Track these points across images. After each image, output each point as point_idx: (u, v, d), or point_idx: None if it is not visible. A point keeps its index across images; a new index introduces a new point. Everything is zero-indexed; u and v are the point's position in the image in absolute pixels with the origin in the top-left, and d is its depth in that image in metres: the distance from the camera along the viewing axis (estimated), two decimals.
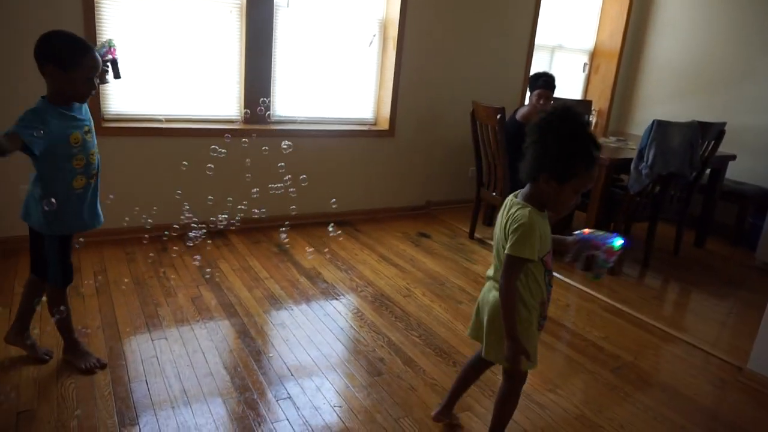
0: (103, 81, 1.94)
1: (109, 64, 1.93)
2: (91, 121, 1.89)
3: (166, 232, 2.47)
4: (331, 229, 2.77)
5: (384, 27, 3.98)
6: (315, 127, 3.81)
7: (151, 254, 3.06)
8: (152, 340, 2.22)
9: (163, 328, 2.32)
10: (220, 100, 3.49)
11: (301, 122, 3.82)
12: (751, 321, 2.36)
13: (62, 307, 1.89)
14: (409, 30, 3.92)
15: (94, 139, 1.88)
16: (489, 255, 3.57)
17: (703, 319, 2.96)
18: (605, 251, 1.51)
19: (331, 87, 3.88)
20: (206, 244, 3.25)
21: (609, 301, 3.03)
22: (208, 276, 2.85)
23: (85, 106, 1.87)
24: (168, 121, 3.31)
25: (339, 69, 3.88)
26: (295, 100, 3.77)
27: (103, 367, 2.01)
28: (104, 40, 2.01)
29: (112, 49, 1.94)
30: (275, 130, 3.61)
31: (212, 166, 2.44)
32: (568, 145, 1.42)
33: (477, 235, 3.89)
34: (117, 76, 1.98)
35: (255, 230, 3.58)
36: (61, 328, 2.00)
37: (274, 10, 3.46)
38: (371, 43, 3.96)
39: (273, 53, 3.54)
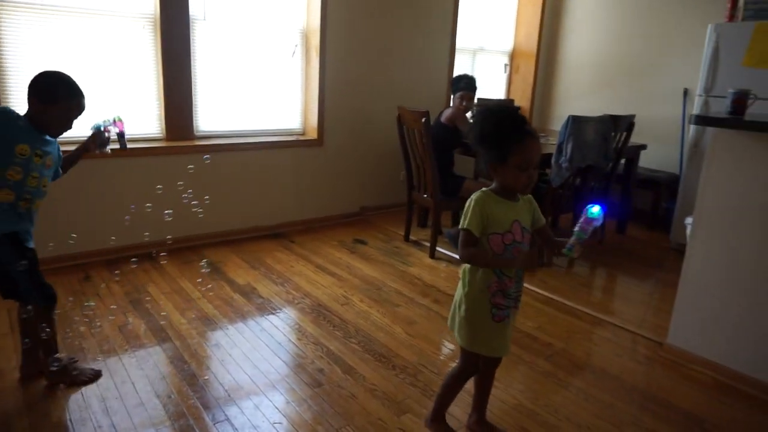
0: (104, 149, 2.10)
1: (116, 135, 2.12)
2: (57, 156, 1.99)
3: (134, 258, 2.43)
4: (203, 265, 2.84)
5: (306, 37, 3.97)
6: (242, 140, 3.75)
7: (74, 283, 2.89)
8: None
9: (88, 361, 2.19)
10: (138, 118, 3.36)
11: (227, 136, 3.74)
12: (670, 299, 2.51)
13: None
14: (330, 39, 3.93)
15: (46, 170, 1.90)
16: (424, 256, 3.62)
17: (627, 302, 3.13)
18: (583, 222, 1.50)
19: (256, 99, 3.83)
20: (133, 270, 3.11)
21: (541, 291, 3.14)
22: (135, 302, 2.72)
23: (57, 143, 1.99)
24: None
25: (263, 80, 3.83)
26: (219, 114, 3.69)
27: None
28: (113, 115, 2.15)
29: (118, 123, 2.11)
30: (200, 145, 3.52)
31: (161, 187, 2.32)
32: (491, 127, 1.54)
33: (412, 237, 3.94)
34: (123, 147, 2.17)
35: (186, 249, 3.47)
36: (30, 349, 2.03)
37: (191, 24, 3.37)
38: (294, 53, 3.94)
39: (193, 67, 3.45)
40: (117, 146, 2.17)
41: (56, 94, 1.84)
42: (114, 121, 2.13)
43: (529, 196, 1.66)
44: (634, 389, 2.22)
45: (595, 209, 1.49)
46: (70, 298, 2.71)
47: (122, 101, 3.27)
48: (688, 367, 2.39)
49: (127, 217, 2.57)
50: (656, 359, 2.47)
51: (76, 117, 1.92)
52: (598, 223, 1.50)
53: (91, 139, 2.10)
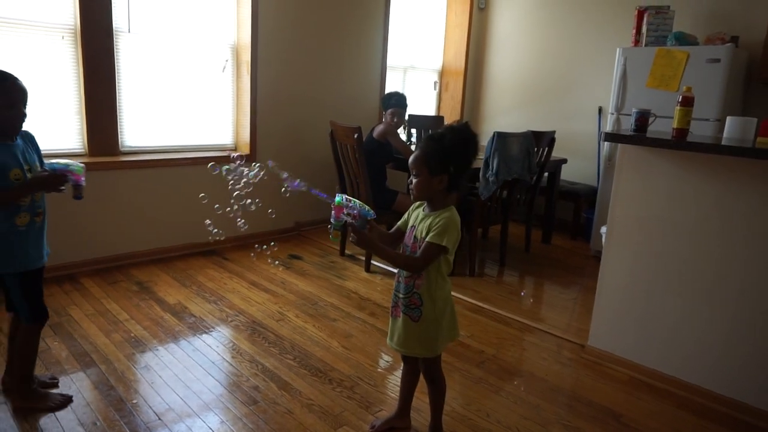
0: (57, 190, 1.89)
1: (73, 184, 1.92)
2: (39, 156, 1.94)
3: None
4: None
5: (236, 52, 3.94)
6: (172, 155, 3.65)
7: None
8: None
9: (4, 390, 2.06)
10: (57, 133, 3.20)
11: (156, 152, 3.64)
12: (591, 304, 2.68)
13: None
14: (262, 54, 3.93)
15: None
16: (360, 270, 3.66)
17: (553, 308, 3.30)
18: (334, 210, 1.71)
19: (186, 114, 3.76)
20: (52, 292, 2.95)
21: (472, 301, 3.25)
22: (56, 326, 2.58)
23: (32, 143, 1.94)
24: None
25: (193, 95, 3.77)
26: (147, 129, 3.58)
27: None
28: (77, 164, 1.95)
29: (78, 175, 1.92)
30: (126, 161, 3.40)
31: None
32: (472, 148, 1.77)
33: (347, 251, 3.97)
34: (77, 197, 1.95)
35: (112, 269, 3.33)
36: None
37: (114, 36, 3.27)
38: (224, 68, 3.90)
39: (117, 80, 3.34)
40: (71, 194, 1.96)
41: None
42: (75, 170, 1.93)
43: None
44: (559, 390, 2.35)
45: (338, 198, 1.71)
46: None
47: (40, 114, 3.11)
48: (607, 366, 2.56)
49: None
50: (579, 361, 2.62)
51: (14, 106, 1.82)
52: (354, 211, 1.68)
53: (51, 180, 1.87)
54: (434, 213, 1.73)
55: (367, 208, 1.72)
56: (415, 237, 1.76)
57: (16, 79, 1.85)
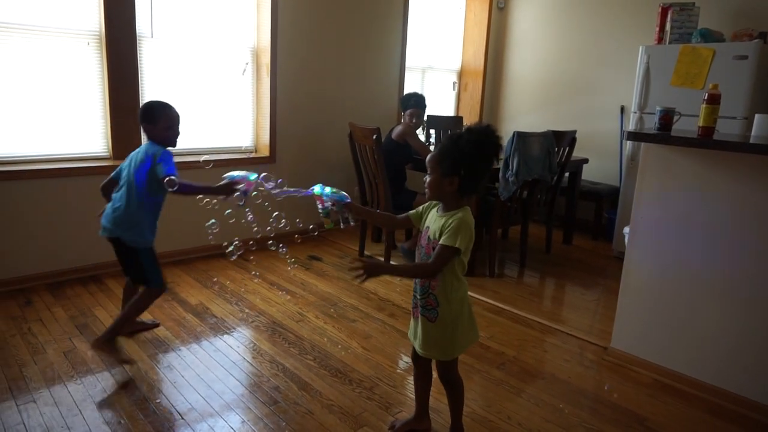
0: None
1: (243, 192, 2.16)
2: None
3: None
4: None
5: (256, 54, 3.98)
6: (192, 158, 3.70)
7: (13, 309, 2.77)
8: (17, 406, 2.00)
9: (31, 390, 2.11)
10: (83, 137, 3.27)
11: (179, 154, 3.68)
12: (614, 305, 2.64)
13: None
14: (281, 57, 3.96)
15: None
16: None
17: (575, 309, 3.26)
18: (319, 203, 1.86)
19: (207, 117, 3.80)
20: (78, 292, 3.01)
21: (492, 302, 3.23)
22: (82, 326, 2.63)
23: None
24: (26, 162, 3.05)
25: (214, 98, 3.81)
26: None
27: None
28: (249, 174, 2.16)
29: (249, 183, 2.14)
30: None
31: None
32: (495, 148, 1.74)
33: (366, 252, 3.98)
34: (240, 204, 2.20)
35: None
36: (125, 318, 2.36)
37: (138, 41, 3.33)
38: (244, 71, 3.94)
39: (141, 85, 3.39)
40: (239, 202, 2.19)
41: (153, 113, 2.33)
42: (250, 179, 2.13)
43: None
44: (581, 392, 2.32)
45: (316, 188, 1.87)
46: (11, 318, 2.59)
47: (67, 118, 3.18)
48: (630, 369, 2.51)
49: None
50: (601, 363, 2.58)
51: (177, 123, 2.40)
52: (327, 200, 1.83)
53: (228, 188, 2.19)
54: (447, 214, 1.70)
55: (341, 193, 1.83)
56: (428, 238, 1.73)
57: (173, 107, 2.37)
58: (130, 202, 2.29)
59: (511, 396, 2.26)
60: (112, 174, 2.42)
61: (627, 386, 2.39)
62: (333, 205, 1.81)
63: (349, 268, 1.68)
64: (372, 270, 1.65)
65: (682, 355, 2.39)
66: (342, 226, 1.85)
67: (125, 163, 2.38)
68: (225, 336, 2.64)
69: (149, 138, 2.35)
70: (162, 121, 2.32)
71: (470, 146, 1.64)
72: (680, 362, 2.39)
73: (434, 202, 1.78)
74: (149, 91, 3.47)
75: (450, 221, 1.66)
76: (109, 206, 2.34)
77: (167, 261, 3.54)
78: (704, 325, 2.31)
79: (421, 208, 1.84)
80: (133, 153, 2.38)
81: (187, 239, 3.70)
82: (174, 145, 2.40)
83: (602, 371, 2.51)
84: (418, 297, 1.77)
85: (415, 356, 1.88)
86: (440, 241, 1.65)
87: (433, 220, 1.74)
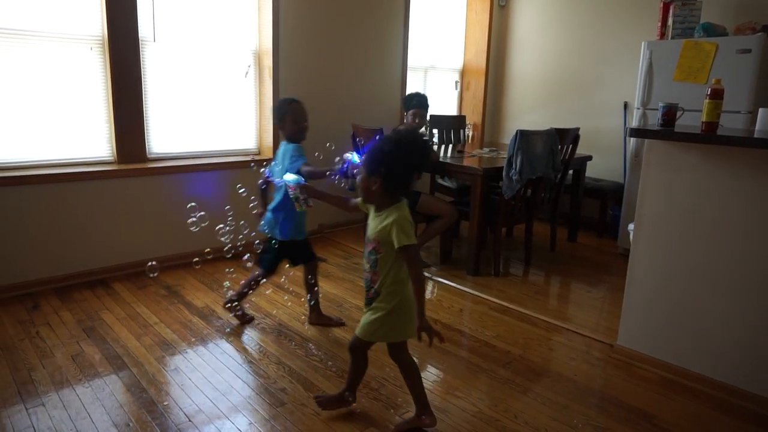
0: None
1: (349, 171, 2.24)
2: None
3: None
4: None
5: (258, 57, 3.99)
6: (197, 161, 3.72)
7: (21, 313, 2.79)
8: (26, 410, 2.02)
9: (39, 393, 2.12)
10: (87, 141, 3.29)
11: (182, 157, 3.70)
12: (619, 302, 2.63)
13: (311, 278, 2.74)
14: (283, 59, 3.97)
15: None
16: None
17: (580, 307, 3.25)
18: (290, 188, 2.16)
19: (210, 120, 3.82)
20: (85, 296, 3.03)
21: (497, 301, 3.23)
22: (89, 329, 2.65)
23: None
24: (30, 168, 3.08)
25: (217, 101, 3.83)
26: (173, 135, 3.65)
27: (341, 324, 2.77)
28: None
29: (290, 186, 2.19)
30: (153, 168, 3.47)
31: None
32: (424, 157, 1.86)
33: None
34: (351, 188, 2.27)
35: (141, 273, 3.40)
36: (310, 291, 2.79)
37: (140, 45, 3.34)
38: (247, 73, 3.96)
39: (144, 89, 3.41)
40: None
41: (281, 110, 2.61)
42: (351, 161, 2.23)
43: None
44: (587, 390, 2.32)
45: (288, 177, 2.15)
46: (19, 322, 2.61)
47: (71, 123, 3.20)
48: (637, 366, 2.51)
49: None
50: (608, 360, 2.57)
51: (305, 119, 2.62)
52: (291, 188, 2.12)
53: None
54: (380, 214, 1.77)
55: (294, 177, 2.11)
56: (368, 237, 1.82)
57: (296, 103, 2.59)
58: (286, 203, 2.48)
59: (518, 395, 2.26)
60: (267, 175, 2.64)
61: (634, 383, 2.38)
62: (293, 190, 2.09)
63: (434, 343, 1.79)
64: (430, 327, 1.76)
65: (689, 352, 2.38)
66: (304, 208, 2.17)
67: (276, 167, 2.60)
68: (231, 338, 2.65)
69: (284, 137, 2.58)
70: (288, 118, 2.54)
71: (391, 147, 1.72)
72: (687, 358, 2.38)
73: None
74: (152, 95, 3.49)
75: (385, 223, 1.76)
76: (270, 215, 2.60)
77: (172, 264, 3.56)
78: (711, 321, 2.30)
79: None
80: (278, 154, 2.62)
81: (192, 242, 3.71)
82: (303, 139, 2.58)
83: (609, 368, 2.50)
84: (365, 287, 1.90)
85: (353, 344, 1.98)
86: (398, 246, 1.73)
87: (371, 218, 1.82)
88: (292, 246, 2.67)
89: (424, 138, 1.76)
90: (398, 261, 1.79)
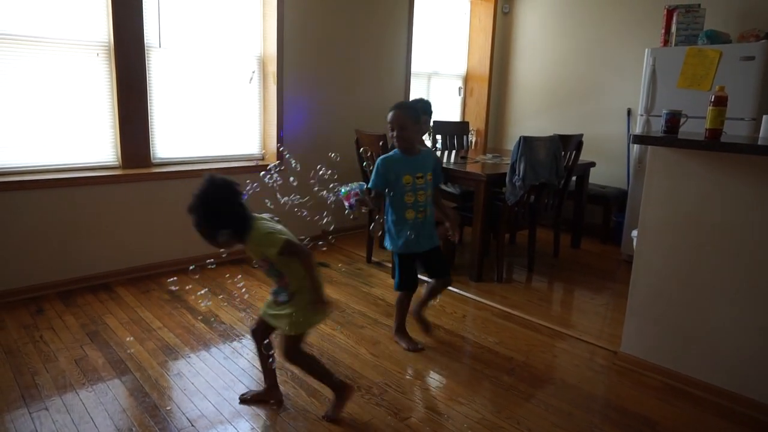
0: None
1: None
2: (429, 169, 2.52)
3: None
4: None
5: (263, 63, 4.01)
6: (201, 166, 3.73)
7: (25, 317, 2.79)
8: (30, 414, 2.02)
9: (43, 398, 2.13)
10: (92, 146, 3.31)
11: (186, 162, 3.72)
12: (623, 309, 2.63)
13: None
14: (288, 64, 3.99)
15: (427, 184, 2.50)
16: (387, 277, 3.67)
17: (584, 314, 3.24)
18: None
19: (215, 125, 3.84)
20: (89, 300, 3.04)
21: (500, 307, 3.22)
22: (93, 334, 2.65)
23: (430, 159, 2.55)
24: (36, 172, 3.09)
25: (221, 107, 3.85)
26: (178, 141, 3.67)
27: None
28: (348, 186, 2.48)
29: (344, 196, 2.42)
30: (158, 173, 3.49)
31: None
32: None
33: (374, 258, 3.98)
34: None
35: (145, 278, 3.41)
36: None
37: (146, 51, 3.37)
38: (251, 79, 3.98)
39: (149, 94, 3.43)
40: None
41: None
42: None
43: None
44: (591, 397, 2.31)
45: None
46: (23, 326, 2.62)
47: (77, 128, 3.22)
48: (641, 373, 2.50)
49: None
50: (611, 367, 2.57)
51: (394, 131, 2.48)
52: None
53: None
54: (248, 246, 1.92)
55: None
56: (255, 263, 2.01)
57: (392, 111, 2.48)
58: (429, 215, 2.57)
59: (521, 401, 2.25)
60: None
61: (637, 390, 2.37)
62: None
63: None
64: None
65: (692, 359, 2.37)
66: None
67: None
68: (234, 343, 2.65)
69: (405, 142, 2.50)
70: (389, 127, 2.48)
71: (204, 211, 1.82)
72: (691, 366, 2.37)
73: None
74: (157, 101, 3.51)
75: (254, 246, 1.90)
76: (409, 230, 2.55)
77: (176, 269, 3.57)
78: (715, 329, 2.30)
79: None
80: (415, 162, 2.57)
81: (195, 247, 3.72)
82: (401, 149, 2.51)
83: (612, 376, 2.50)
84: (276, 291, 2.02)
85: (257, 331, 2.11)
86: (274, 255, 1.86)
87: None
88: (432, 255, 2.63)
89: (214, 180, 1.88)
90: (290, 260, 1.90)
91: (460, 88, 5.80)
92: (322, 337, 2.74)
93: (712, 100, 2.15)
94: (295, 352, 2.00)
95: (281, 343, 2.02)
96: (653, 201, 2.42)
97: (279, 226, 1.98)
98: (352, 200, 2.43)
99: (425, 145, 2.54)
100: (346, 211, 2.44)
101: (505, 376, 2.45)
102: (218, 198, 1.83)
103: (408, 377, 2.43)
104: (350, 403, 2.16)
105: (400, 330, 2.73)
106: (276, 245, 1.84)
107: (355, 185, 2.42)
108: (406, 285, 2.62)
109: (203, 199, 1.81)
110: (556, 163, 3.66)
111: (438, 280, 2.70)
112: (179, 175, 3.56)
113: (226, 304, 3.11)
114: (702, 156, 2.25)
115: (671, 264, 2.39)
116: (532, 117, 5.56)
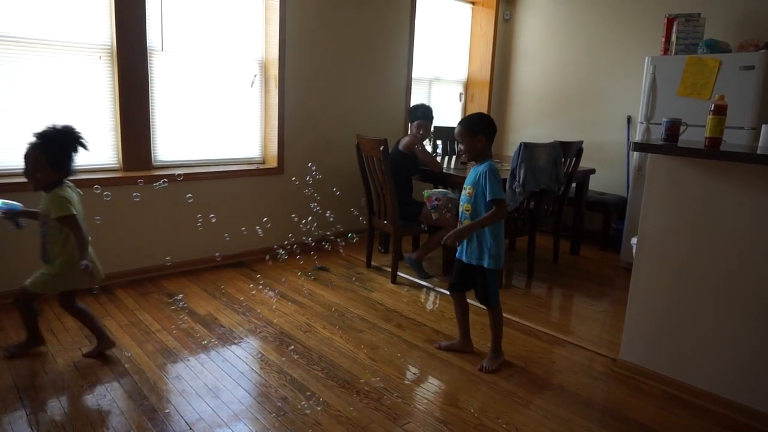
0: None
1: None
2: (470, 182, 2.51)
3: None
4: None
5: (264, 67, 4.03)
6: (202, 169, 3.74)
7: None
8: (27, 416, 2.02)
9: (41, 399, 2.12)
10: (94, 149, 3.30)
11: (187, 165, 3.73)
12: (622, 316, 2.63)
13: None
14: (289, 69, 4.01)
15: (465, 198, 2.52)
16: (386, 282, 3.67)
17: (583, 320, 3.25)
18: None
19: (216, 128, 3.85)
20: (86, 302, 3.03)
21: None
22: (91, 336, 2.65)
23: (473, 172, 2.53)
24: None
25: (223, 110, 3.86)
26: (179, 143, 3.68)
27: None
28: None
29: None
30: (158, 175, 3.49)
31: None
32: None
33: (374, 263, 3.98)
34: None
35: (144, 281, 3.41)
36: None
37: (148, 54, 3.38)
38: (253, 83, 3.99)
39: (151, 98, 3.44)
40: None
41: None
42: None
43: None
44: (590, 404, 2.31)
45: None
46: (22, 328, 2.61)
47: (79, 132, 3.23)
48: (640, 380, 2.50)
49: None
50: (610, 374, 2.56)
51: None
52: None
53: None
54: (46, 197, 2.26)
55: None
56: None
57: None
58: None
59: (520, 407, 2.25)
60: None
61: (636, 398, 2.37)
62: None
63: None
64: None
65: (691, 367, 2.37)
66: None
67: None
68: (233, 346, 2.65)
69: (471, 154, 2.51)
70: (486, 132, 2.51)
71: (53, 136, 2.26)
72: (690, 374, 2.37)
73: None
74: (159, 104, 3.52)
75: (48, 202, 2.24)
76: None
77: (177, 271, 3.57)
78: (714, 336, 2.30)
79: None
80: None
81: (196, 250, 3.73)
82: (468, 161, 2.57)
83: (611, 383, 2.49)
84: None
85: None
86: (54, 216, 2.22)
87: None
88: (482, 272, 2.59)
89: (72, 127, 2.31)
90: (63, 229, 2.24)
91: (460, 94, 5.82)
92: (321, 341, 2.74)
93: (712, 108, 2.16)
94: (68, 302, 2.42)
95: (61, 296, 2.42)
96: (653, 208, 2.43)
97: (78, 205, 2.30)
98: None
99: (489, 157, 2.46)
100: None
101: (503, 381, 2.45)
102: (69, 138, 2.26)
103: (407, 382, 2.43)
104: (349, 407, 2.16)
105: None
106: (62, 212, 2.19)
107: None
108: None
109: (61, 132, 2.24)
110: (556, 170, 3.67)
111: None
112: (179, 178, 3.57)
113: (225, 307, 3.11)
114: (702, 164, 2.26)
115: (670, 271, 2.40)
116: (533, 123, 5.58)
